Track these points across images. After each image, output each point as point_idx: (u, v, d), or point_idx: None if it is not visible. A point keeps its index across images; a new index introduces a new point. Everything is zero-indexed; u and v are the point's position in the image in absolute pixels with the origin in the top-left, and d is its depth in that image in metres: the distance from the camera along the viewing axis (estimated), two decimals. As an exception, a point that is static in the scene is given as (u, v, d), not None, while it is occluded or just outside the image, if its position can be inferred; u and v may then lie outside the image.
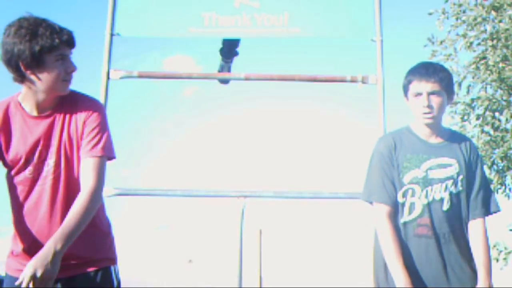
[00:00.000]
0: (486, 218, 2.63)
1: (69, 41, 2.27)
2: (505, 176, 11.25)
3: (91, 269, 2.31)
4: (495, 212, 2.65)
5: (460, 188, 2.58)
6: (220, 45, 4.61)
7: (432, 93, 2.59)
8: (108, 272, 2.35)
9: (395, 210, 2.55)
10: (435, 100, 2.59)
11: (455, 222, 2.55)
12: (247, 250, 4.16)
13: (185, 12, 4.27)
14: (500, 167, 11.14)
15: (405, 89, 2.69)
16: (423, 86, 2.59)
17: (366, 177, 2.65)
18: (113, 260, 2.39)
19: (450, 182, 2.57)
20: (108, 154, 2.31)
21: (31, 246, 2.28)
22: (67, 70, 2.28)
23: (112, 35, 4.16)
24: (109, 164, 2.38)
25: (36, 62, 2.20)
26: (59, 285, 2.29)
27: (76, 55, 2.38)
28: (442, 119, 2.71)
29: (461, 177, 2.59)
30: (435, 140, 2.66)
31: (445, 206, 2.54)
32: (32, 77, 2.25)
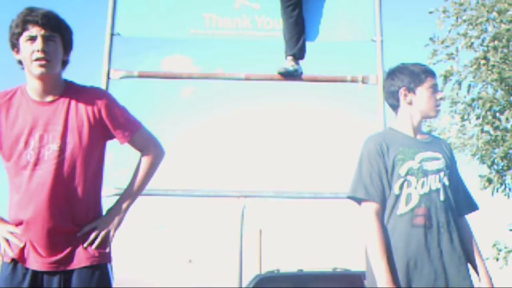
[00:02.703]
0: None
1: (37, 21, 2.28)
2: (505, 175, 11.25)
3: (88, 264, 2.31)
4: (474, 211, 2.77)
5: (449, 181, 2.65)
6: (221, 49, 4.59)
7: None
8: (105, 269, 2.36)
9: (383, 208, 2.57)
10: None
11: (450, 213, 2.60)
12: (247, 250, 4.17)
13: (186, 13, 4.27)
14: (500, 167, 11.15)
15: (419, 81, 2.74)
16: (436, 83, 2.78)
17: (355, 174, 2.66)
18: (109, 257, 2.40)
19: (442, 174, 2.63)
20: (141, 124, 2.49)
21: (33, 232, 2.28)
22: (34, 49, 2.28)
23: (112, 35, 4.16)
24: (108, 164, 2.47)
25: (15, 46, 2.32)
26: (56, 279, 2.29)
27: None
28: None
29: (448, 170, 2.66)
30: (420, 137, 2.74)
31: (442, 196, 2.59)
32: (20, 60, 2.35)
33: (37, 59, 2.28)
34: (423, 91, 2.73)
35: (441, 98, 2.74)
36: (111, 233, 2.40)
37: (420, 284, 2.47)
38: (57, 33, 2.32)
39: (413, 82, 2.74)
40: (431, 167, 2.63)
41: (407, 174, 2.59)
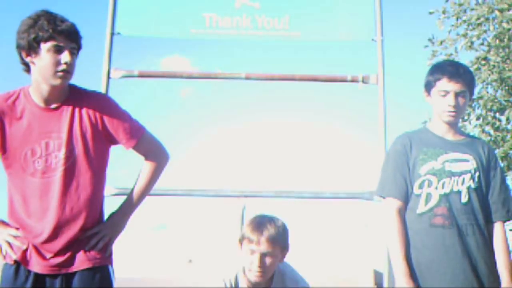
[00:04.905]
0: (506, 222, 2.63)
1: (67, 33, 2.26)
2: (506, 176, 11.25)
3: (89, 266, 2.32)
4: (501, 220, 2.62)
5: (477, 185, 2.59)
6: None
7: (459, 93, 2.62)
8: (107, 271, 2.36)
9: (406, 206, 2.59)
10: (461, 101, 2.63)
11: (473, 216, 2.55)
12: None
13: (186, 13, 4.27)
14: (501, 167, 11.14)
15: (430, 85, 2.69)
16: (452, 86, 2.61)
17: (381, 173, 2.71)
18: (110, 259, 2.41)
19: (467, 176, 2.58)
20: (144, 128, 2.46)
21: (40, 237, 2.28)
22: (60, 61, 2.25)
23: (112, 34, 4.16)
24: (108, 163, 2.44)
25: (33, 49, 2.25)
26: (58, 281, 2.29)
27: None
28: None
29: (478, 173, 2.61)
30: (452, 137, 2.69)
31: (463, 198, 2.55)
32: (32, 65, 2.29)
33: (62, 71, 2.26)
34: (434, 94, 2.67)
35: (454, 105, 2.59)
36: (113, 239, 2.40)
37: (435, 283, 2.46)
38: (77, 46, 2.32)
39: (428, 84, 2.70)
40: (455, 168, 2.59)
41: (427, 174, 2.58)
